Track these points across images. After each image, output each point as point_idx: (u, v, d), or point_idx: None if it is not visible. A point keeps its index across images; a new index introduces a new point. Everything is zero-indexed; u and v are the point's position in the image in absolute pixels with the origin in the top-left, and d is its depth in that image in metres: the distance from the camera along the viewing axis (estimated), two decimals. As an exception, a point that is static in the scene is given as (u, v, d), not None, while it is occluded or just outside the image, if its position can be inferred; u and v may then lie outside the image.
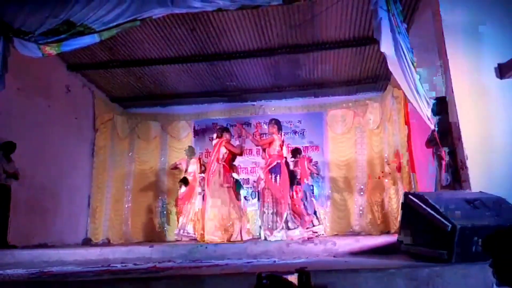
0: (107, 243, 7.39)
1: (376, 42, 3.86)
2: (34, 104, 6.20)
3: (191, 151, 7.27)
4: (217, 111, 8.84)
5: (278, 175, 5.16)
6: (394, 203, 7.05)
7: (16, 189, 5.38)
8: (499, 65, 3.39)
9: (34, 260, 3.67)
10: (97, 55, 6.75)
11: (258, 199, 6.11)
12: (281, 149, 5.37)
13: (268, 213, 5.05)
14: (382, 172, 7.71)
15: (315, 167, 7.43)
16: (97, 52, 6.63)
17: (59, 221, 6.67)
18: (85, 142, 7.77)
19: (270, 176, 5.19)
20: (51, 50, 4.27)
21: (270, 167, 5.25)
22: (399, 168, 6.81)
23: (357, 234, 7.40)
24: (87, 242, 7.23)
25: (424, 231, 2.54)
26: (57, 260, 3.61)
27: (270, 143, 5.35)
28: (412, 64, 3.55)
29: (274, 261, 2.96)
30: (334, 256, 3.30)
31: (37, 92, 6.31)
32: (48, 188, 6.42)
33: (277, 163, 5.23)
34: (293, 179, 6.10)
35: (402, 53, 3.48)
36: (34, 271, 2.75)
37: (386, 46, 3.52)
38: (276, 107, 8.68)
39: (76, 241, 7.02)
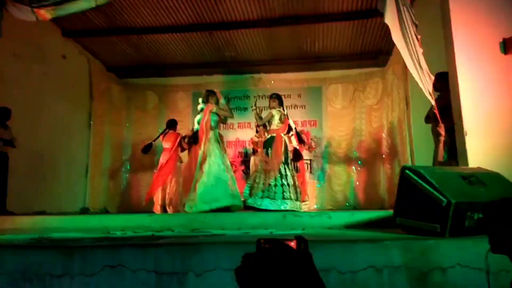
0: (105, 212, 7.47)
1: (379, 15, 3.78)
2: (29, 70, 6.09)
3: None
4: (215, 83, 8.72)
5: (270, 148, 5.30)
6: (391, 178, 7.13)
7: (14, 156, 5.37)
8: (504, 39, 3.32)
9: (34, 226, 3.72)
10: (93, 22, 6.57)
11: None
12: (283, 123, 5.42)
13: (259, 184, 5.17)
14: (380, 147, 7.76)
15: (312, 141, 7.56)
16: (93, 19, 6.45)
17: (57, 190, 6.70)
18: (82, 111, 7.70)
19: (264, 150, 5.41)
20: (45, 14, 4.15)
21: (264, 140, 5.51)
22: None
23: (353, 208, 7.51)
24: (85, 211, 7.31)
25: (420, 205, 2.57)
26: (57, 226, 3.66)
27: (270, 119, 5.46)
28: (416, 37, 3.49)
29: (271, 232, 3.01)
30: (330, 228, 3.36)
31: (32, 58, 6.17)
32: (45, 156, 6.42)
33: (271, 136, 5.39)
34: (297, 155, 6.25)
35: (406, 26, 3.42)
36: (34, 236, 2.79)
37: (390, 18, 3.44)
38: (275, 80, 8.58)
39: (74, 210, 7.09)
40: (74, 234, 3.05)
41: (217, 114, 5.30)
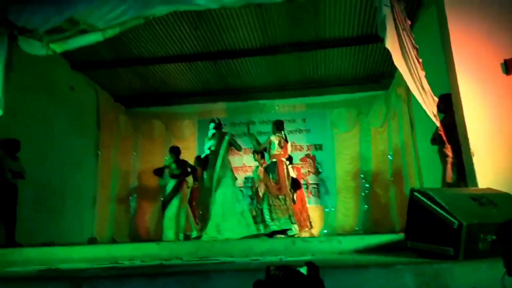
0: (113, 242, 7.41)
1: (380, 39, 3.86)
2: (39, 102, 6.23)
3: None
4: (221, 110, 8.84)
5: (273, 173, 5.38)
6: (400, 201, 7.04)
7: (22, 187, 5.40)
8: (505, 60, 3.36)
9: (42, 257, 3.69)
10: (100, 54, 6.76)
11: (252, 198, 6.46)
12: (282, 148, 5.46)
13: (275, 207, 5.20)
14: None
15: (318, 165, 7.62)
16: (101, 51, 6.64)
17: (64, 220, 6.69)
18: (89, 141, 7.80)
19: (267, 175, 5.48)
20: (55, 48, 4.28)
21: (264, 165, 5.63)
22: None
23: (362, 232, 7.39)
24: (93, 241, 7.25)
25: (431, 228, 2.54)
26: (65, 257, 3.63)
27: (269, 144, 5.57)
28: (417, 60, 3.55)
29: (280, 259, 2.97)
30: (340, 254, 3.30)
31: (42, 90, 6.33)
32: (53, 187, 6.45)
33: (272, 162, 5.48)
34: (295, 185, 6.27)
35: (407, 50, 3.48)
36: (42, 268, 2.77)
37: (391, 43, 3.51)
38: (280, 106, 8.67)
39: (81, 240, 7.04)
40: (82, 264, 3.03)
41: (229, 143, 5.36)
